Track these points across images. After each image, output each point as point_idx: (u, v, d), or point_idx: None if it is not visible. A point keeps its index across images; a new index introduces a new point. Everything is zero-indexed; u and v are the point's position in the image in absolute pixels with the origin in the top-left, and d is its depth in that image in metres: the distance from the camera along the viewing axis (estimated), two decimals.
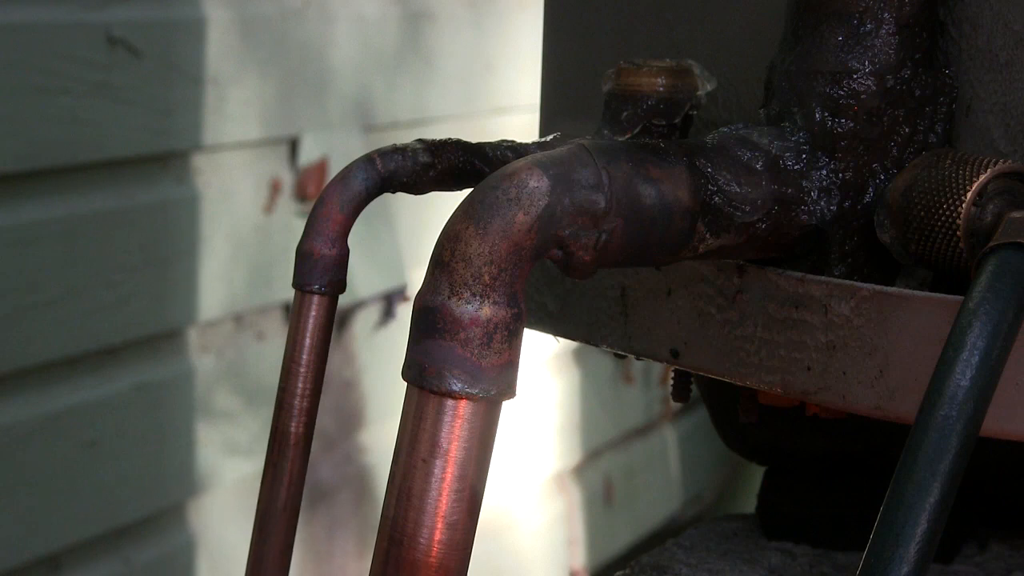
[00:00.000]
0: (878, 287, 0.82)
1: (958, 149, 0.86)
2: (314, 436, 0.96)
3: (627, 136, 0.90)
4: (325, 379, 0.97)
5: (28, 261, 1.72)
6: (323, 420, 2.00)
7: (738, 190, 0.82)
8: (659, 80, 0.90)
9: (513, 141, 0.97)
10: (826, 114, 0.85)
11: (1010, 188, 0.80)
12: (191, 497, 2.00)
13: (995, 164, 0.80)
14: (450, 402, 0.70)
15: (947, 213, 0.80)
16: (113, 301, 1.83)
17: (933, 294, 0.80)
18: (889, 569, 0.67)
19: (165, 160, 1.91)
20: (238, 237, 2.02)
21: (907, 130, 0.85)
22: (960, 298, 0.73)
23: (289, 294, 1.88)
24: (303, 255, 0.94)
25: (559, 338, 1.07)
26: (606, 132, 0.91)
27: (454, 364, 0.70)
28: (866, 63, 0.85)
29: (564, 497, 2.89)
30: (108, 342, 1.84)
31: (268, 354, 2.09)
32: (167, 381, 1.94)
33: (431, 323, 0.70)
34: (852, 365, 0.83)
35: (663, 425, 3.23)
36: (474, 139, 0.97)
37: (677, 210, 0.79)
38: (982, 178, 0.80)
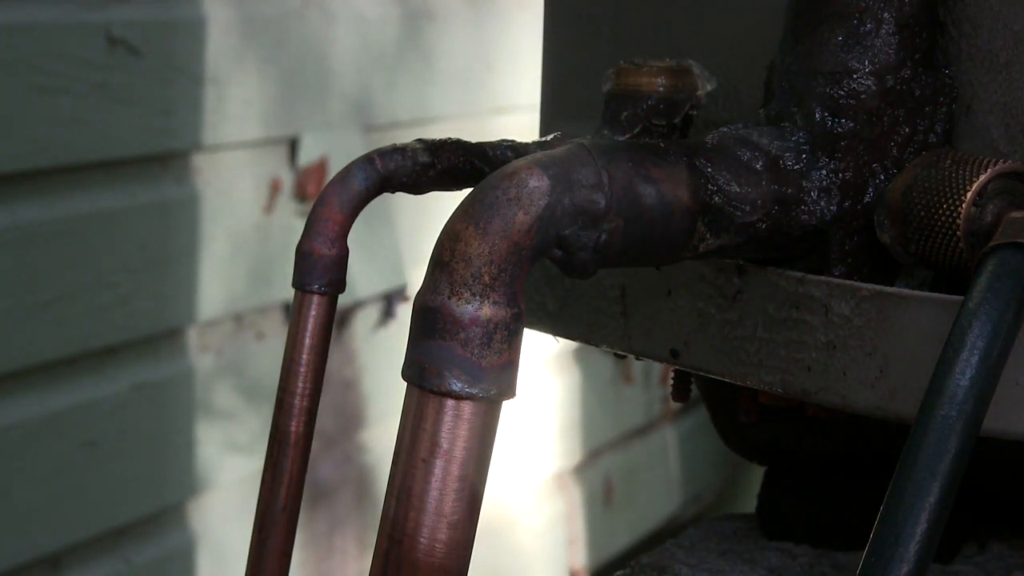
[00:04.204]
0: (878, 287, 0.82)
1: (958, 149, 0.86)
2: (314, 436, 0.96)
3: (627, 136, 0.90)
4: (325, 379, 0.97)
5: (28, 261, 1.72)
6: (323, 420, 2.00)
7: (738, 190, 0.82)
8: (659, 80, 0.90)
9: (513, 141, 0.97)
10: (826, 114, 0.85)
11: (1010, 188, 0.80)
12: (191, 497, 2.00)
13: (995, 164, 0.80)
14: (450, 402, 0.70)
15: (947, 213, 0.80)
16: (113, 301, 1.83)
17: (933, 294, 0.80)
18: (889, 568, 0.67)
19: (165, 160, 1.91)
20: (238, 237, 2.02)
21: (907, 130, 0.85)
22: (960, 298, 0.73)
23: (289, 294, 1.88)
24: (303, 255, 0.94)
25: (559, 338, 1.07)
26: (606, 132, 0.91)
27: (454, 364, 0.70)
28: (866, 63, 0.85)
29: (564, 497, 2.89)
30: (108, 342, 1.84)
31: (268, 354, 2.09)
32: (167, 381, 1.94)
33: (431, 323, 0.70)
34: (852, 365, 0.83)
35: (663, 425, 3.23)
36: (474, 139, 0.97)
37: (677, 210, 0.79)
38: (982, 178, 0.80)
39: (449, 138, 0.96)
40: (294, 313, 0.95)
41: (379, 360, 2.32)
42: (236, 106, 1.99)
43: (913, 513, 0.68)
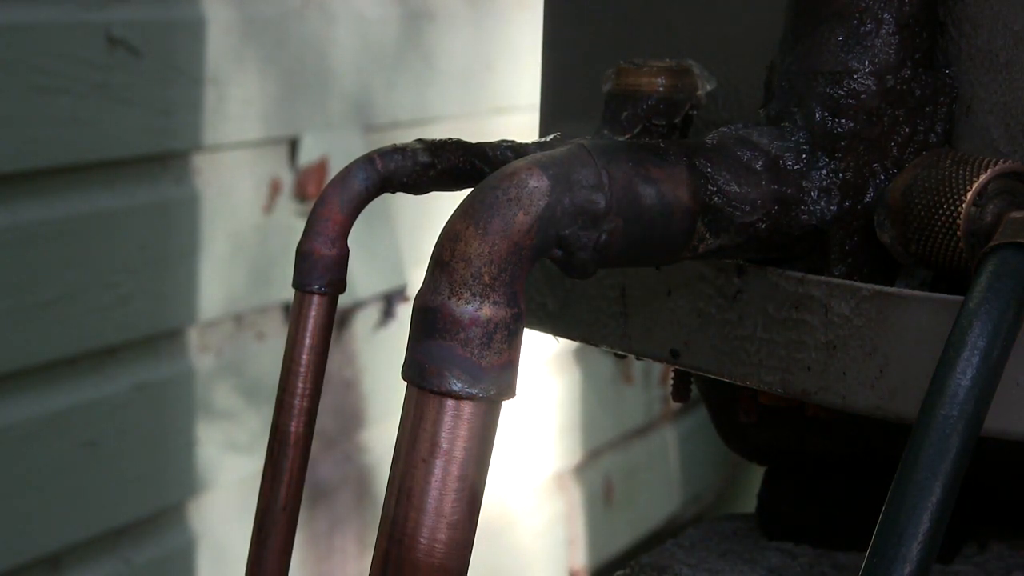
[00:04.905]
0: (878, 287, 0.82)
1: (958, 149, 0.86)
2: (314, 436, 0.96)
3: (627, 136, 0.90)
4: (325, 379, 0.97)
5: (28, 261, 1.72)
6: (323, 420, 2.00)
7: (738, 190, 0.82)
8: (659, 80, 0.90)
9: (513, 141, 0.97)
10: (826, 114, 0.85)
11: (1010, 188, 0.80)
12: (191, 497, 2.00)
13: (995, 164, 0.80)
14: (450, 402, 0.70)
15: (947, 213, 0.80)
16: (113, 301, 1.83)
17: (933, 294, 0.80)
18: (892, 568, 0.67)
19: (165, 160, 1.91)
20: (238, 237, 2.02)
21: (907, 130, 0.85)
22: (960, 298, 0.73)
23: (289, 294, 1.88)
24: (303, 255, 0.94)
25: (559, 338, 1.07)
26: (606, 132, 0.91)
27: (454, 364, 0.70)
28: (866, 63, 0.85)
29: (564, 497, 2.89)
30: (108, 342, 1.84)
31: (268, 354, 2.09)
32: (167, 381, 1.94)
33: (431, 323, 0.70)
34: (852, 365, 0.83)
35: (663, 425, 3.23)
36: (474, 139, 0.96)
37: (677, 210, 0.79)
38: (982, 178, 0.80)
39: (449, 138, 0.96)
40: (294, 313, 0.95)
41: (379, 360, 2.32)
42: (236, 106, 1.99)
43: (916, 513, 0.68)
